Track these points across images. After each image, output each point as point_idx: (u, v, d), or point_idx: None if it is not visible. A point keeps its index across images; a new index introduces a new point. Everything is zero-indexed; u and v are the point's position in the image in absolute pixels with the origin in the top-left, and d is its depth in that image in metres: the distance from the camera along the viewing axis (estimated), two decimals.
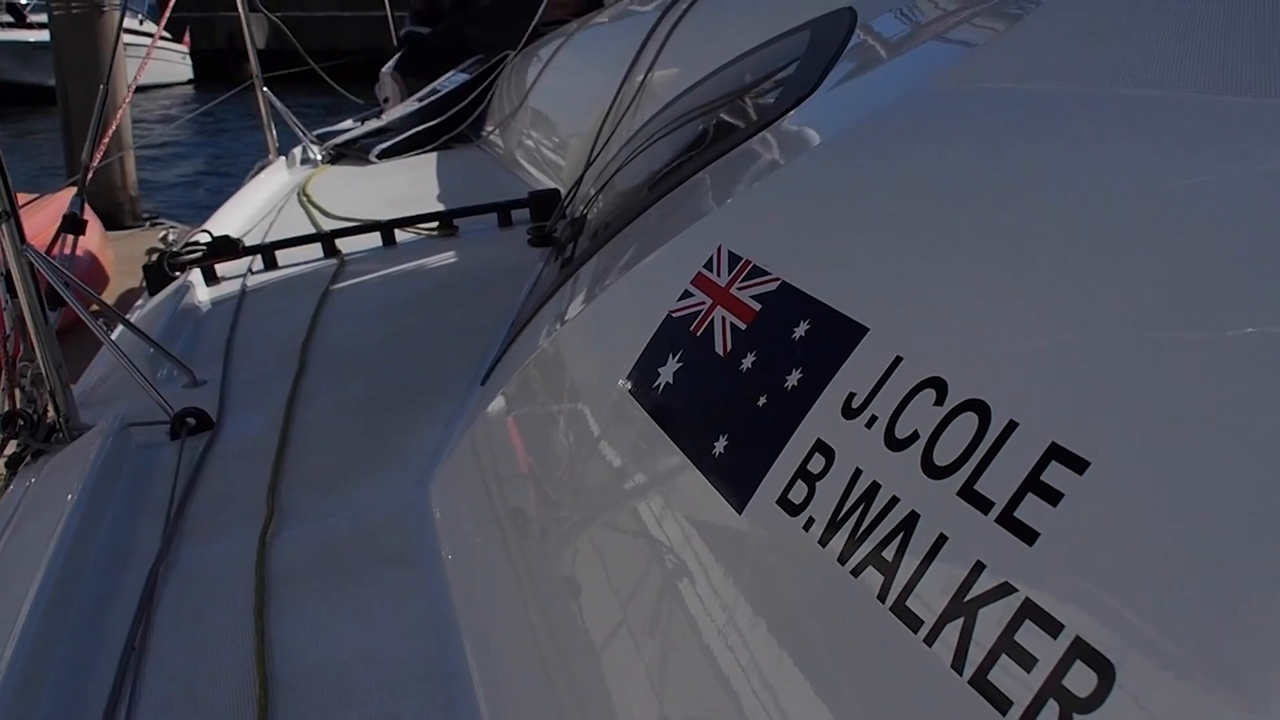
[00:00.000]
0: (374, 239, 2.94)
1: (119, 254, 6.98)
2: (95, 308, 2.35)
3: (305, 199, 3.61)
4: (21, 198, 7.38)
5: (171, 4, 4.84)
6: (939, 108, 0.99)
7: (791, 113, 1.31)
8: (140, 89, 22.87)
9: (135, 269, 7.15)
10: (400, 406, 1.92)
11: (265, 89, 4.64)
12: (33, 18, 21.66)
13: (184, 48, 28.97)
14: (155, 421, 1.95)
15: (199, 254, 2.84)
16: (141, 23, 26.31)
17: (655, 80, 2.63)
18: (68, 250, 2.47)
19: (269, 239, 3.16)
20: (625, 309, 1.22)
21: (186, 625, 1.36)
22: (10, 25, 22.90)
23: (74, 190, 8.06)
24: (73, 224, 2.41)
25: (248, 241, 3.05)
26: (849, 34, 1.54)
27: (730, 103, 1.78)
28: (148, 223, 8.64)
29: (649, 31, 2.72)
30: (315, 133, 4.71)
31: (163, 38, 27.67)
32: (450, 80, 4.57)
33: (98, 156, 2.92)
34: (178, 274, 2.85)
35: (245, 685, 1.22)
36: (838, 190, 1.01)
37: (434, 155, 4.17)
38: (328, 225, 3.24)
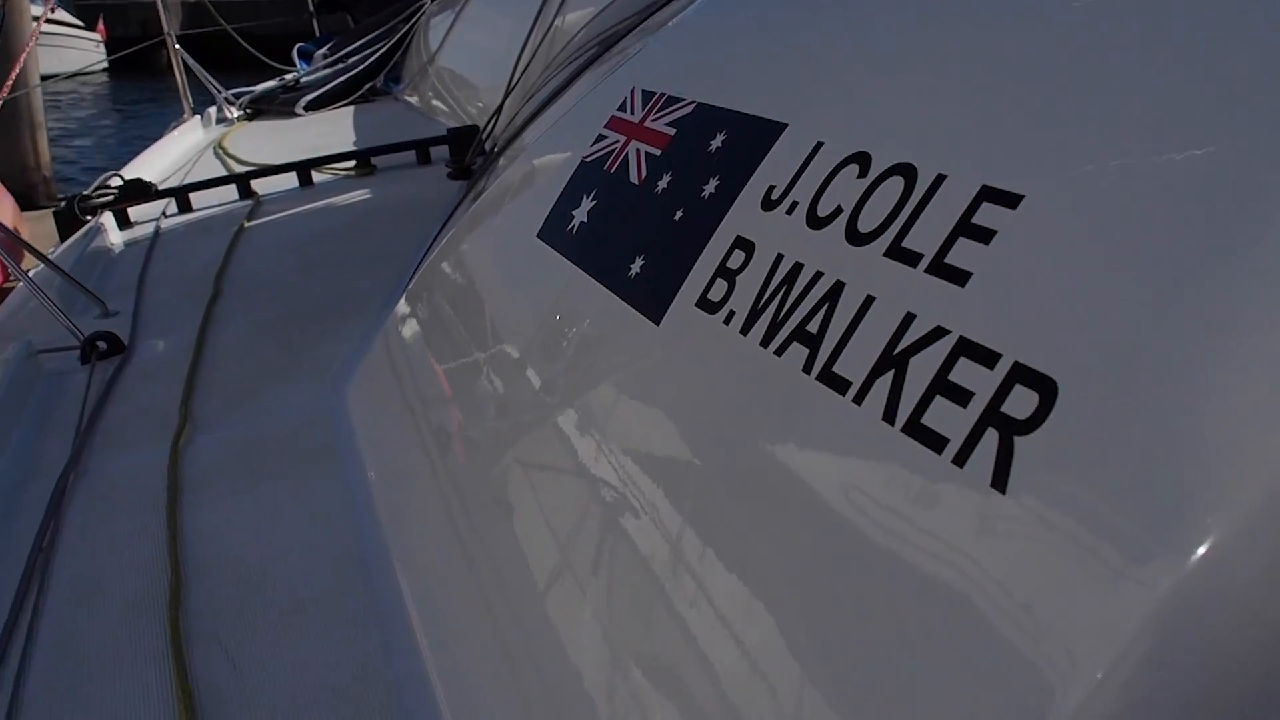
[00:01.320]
0: (291, 180, 2.87)
1: (34, 232, 6.80)
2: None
3: (222, 151, 3.53)
4: None
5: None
6: None
7: None
8: (54, 77, 22.34)
9: (49, 246, 6.97)
10: (314, 326, 1.87)
11: (178, 47, 4.53)
12: None
13: (98, 36, 28.36)
14: (65, 348, 1.88)
15: (111, 197, 2.75)
16: (54, 11, 25.77)
17: (569, 16, 2.60)
18: None
19: (183, 181, 3.08)
20: (538, 171, 1.19)
21: (96, 526, 1.31)
22: None
23: None
24: None
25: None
26: None
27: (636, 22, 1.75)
28: (62, 203, 8.42)
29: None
30: (230, 91, 4.61)
31: (74, 25, 27.07)
32: (365, 40, 4.50)
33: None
34: (89, 218, 2.77)
35: (158, 577, 1.17)
36: (739, 11, 0.99)
37: (352, 109, 4.09)
38: (243, 171, 3.17)
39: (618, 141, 0.96)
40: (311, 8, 6.65)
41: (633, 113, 0.97)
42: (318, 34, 6.61)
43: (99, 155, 14.99)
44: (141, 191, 2.77)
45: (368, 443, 1.34)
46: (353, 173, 2.91)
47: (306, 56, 5.93)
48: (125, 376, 1.77)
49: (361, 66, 4.24)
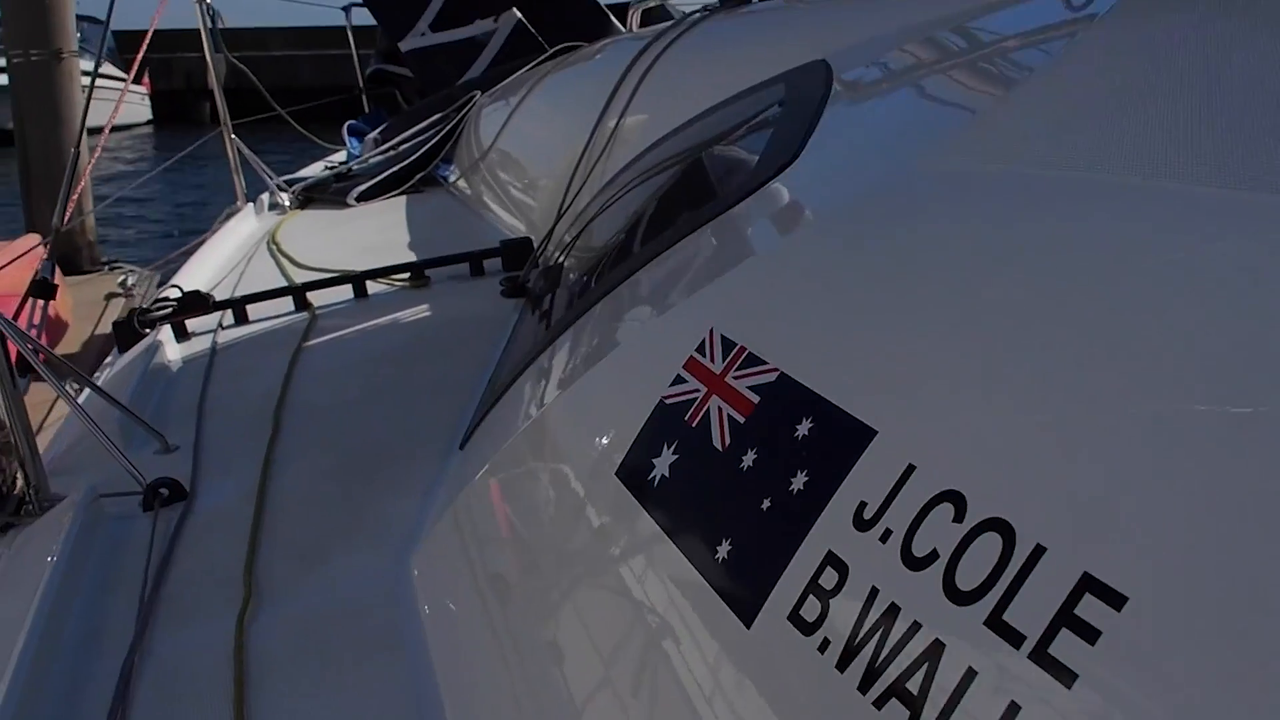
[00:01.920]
0: (345, 291, 2.91)
1: (77, 299, 6.90)
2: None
3: (275, 247, 3.57)
4: None
5: (140, 58, 4.83)
6: (932, 190, 0.98)
7: (774, 182, 1.29)
8: (100, 130, 22.74)
9: (93, 313, 7.07)
10: (375, 473, 1.89)
11: (234, 136, 4.61)
12: None
13: (144, 89, 28.90)
14: (127, 493, 1.90)
15: (169, 310, 2.80)
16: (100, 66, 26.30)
17: (628, 126, 2.63)
18: (37, 317, 2.43)
19: (239, 292, 3.12)
20: (614, 389, 1.20)
21: (164, 716, 1.32)
22: None
23: (34, 238, 7.97)
24: (43, 289, 2.37)
25: (218, 294, 3.01)
26: (826, 92, 1.54)
27: (708, 161, 1.77)
28: (106, 267, 8.53)
29: (621, 76, 2.72)
30: (283, 178, 4.68)
31: (121, 79, 27.58)
32: (418, 129, 4.56)
33: (68, 216, 2.89)
34: (148, 331, 2.81)
35: None
36: (832, 275, 0.99)
37: (403, 200, 4.14)
38: (298, 276, 3.20)
39: (698, 392, 0.97)
40: (361, 83, 6.75)
41: (712, 360, 0.98)
42: (366, 109, 6.70)
43: (142, 206, 15.23)
44: (199, 304, 2.81)
45: (436, 635, 1.35)
46: (407, 284, 2.94)
47: (357, 134, 6.01)
48: (188, 528, 1.79)
49: (413, 157, 4.29)
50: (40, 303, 2.43)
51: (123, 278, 7.69)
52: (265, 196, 4.42)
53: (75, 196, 3.43)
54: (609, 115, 2.71)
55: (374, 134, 5.11)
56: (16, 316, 2.34)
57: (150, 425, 2.17)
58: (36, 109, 8.28)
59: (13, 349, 2.00)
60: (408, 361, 2.44)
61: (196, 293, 2.85)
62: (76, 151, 2.77)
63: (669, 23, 2.93)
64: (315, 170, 5.38)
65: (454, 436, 1.94)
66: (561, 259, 2.32)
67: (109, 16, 3.18)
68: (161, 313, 2.80)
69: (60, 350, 5.99)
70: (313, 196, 4.38)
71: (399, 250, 3.38)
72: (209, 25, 4.92)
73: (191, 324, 2.86)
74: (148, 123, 29.15)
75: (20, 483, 1.97)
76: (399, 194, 4.25)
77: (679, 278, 1.30)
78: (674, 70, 2.61)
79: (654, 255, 1.41)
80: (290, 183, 4.56)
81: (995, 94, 1.25)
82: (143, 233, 12.16)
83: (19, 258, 6.37)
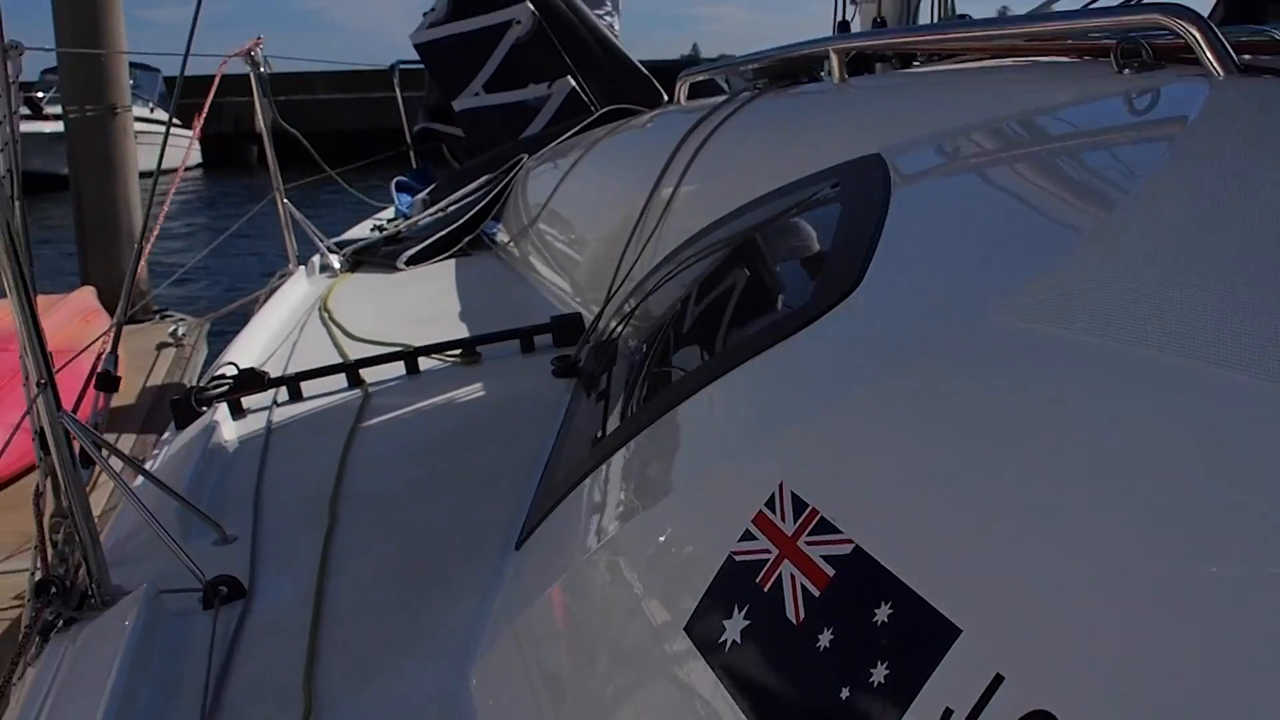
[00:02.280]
0: (397, 366, 2.93)
1: (129, 349, 6.99)
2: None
3: (326, 315, 3.61)
4: (40, 301, 7.32)
5: (203, 117, 4.93)
6: (1008, 348, 0.97)
7: (836, 312, 1.28)
8: (152, 174, 23.17)
9: (145, 364, 7.15)
10: (432, 573, 1.89)
11: (286, 201, 4.68)
12: (49, 109, 21.97)
13: (193, 134, 29.37)
14: (187, 589, 1.92)
15: (225, 388, 2.83)
16: (152, 110, 26.76)
17: (679, 204, 2.63)
18: (101, 403, 2.47)
19: (293, 363, 3.16)
20: (682, 532, 1.19)
21: None
22: (28, 117, 23.26)
23: (88, 292, 8.07)
24: (106, 382, 2.41)
25: (272, 365, 3.05)
26: (884, 195, 1.53)
27: (763, 268, 1.77)
28: (158, 315, 8.65)
29: (673, 151, 2.73)
30: (333, 240, 4.74)
31: (176, 126, 28.07)
32: (466, 191, 4.60)
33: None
34: (204, 409, 2.84)
35: None
36: (904, 433, 0.98)
37: (453, 264, 4.17)
38: (350, 346, 3.24)
39: (769, 553, 0.96)
40: (409, 140, 6.83)
41: (783, 519, 0.97)
42: (414, 164, 6.77)
43: (191, 252, 15.46)
44: (254, 382, 2.84)
45: None
46: (458, 359, 2.96)
47: (405, 190, 6.07)
48: (247, 628, 1.80)
49: (461, 220, 4.33)
50: (103, 395, 2.46)
51: (174, 328, 7.79)
52: (316, 259, 4.47)
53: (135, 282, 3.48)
54: (660, 191, 2.72)
55: (423, 194, 5.15)
56: (78, 406, 2.37)
57: (208, 516, 2.19)
58: (91, 162, 8.46)
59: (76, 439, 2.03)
60: (460, 446, 2.45)
61: (252, 371, 2.89)
62: (139, 249, 2.80)
63: (720, 98, 2.94)
64: (364, 230, 5.44)
65: (509, 532, 1.94)
66: (612, 344, 2.32)
67: (182, 73, 3.23)
68: (218, 391, 2.83)
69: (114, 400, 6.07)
70: (363, 260, 4.43)
71: (449, 320, 3.40)
72: (260, 73, 4.98)
73: (246, 401, 2.89)
74: (197, 166, 29.64)
75: (83, 575, 2.00)
76: (448, 257, 4.28)
77: (742, 411, 1.29)
78: (726, 148, 2.62)
79: (711, 377, 1.40)
80: (340, 245, 4.61)
81: (1067, 219, 1.24)
82: (191, 270, 12.30)
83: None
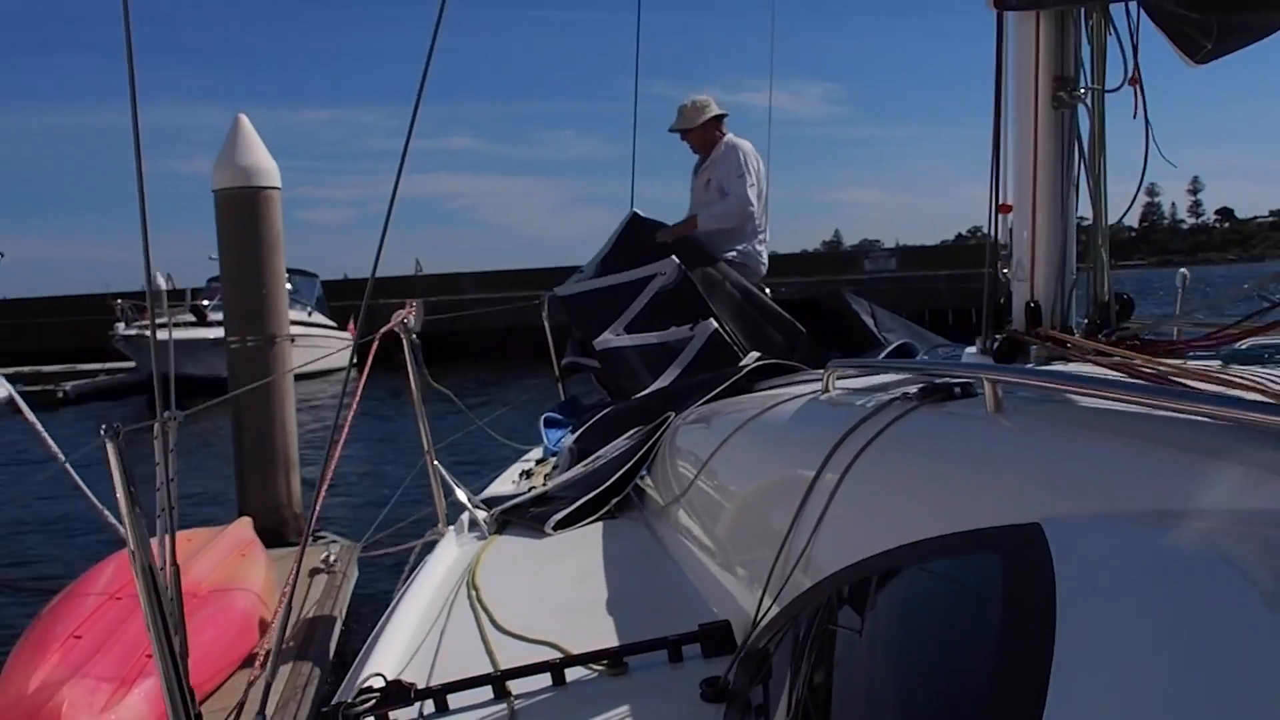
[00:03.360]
0: (544, 676, 2.83)
1: (282, 574, 7.08)
2: None
3: (474, 595, 3.55)
4: (194, 535, 7.51)
5: (376, 349, 5.06)
6: None
7: None
8: (309, 375, 24.25)
9: (300, 591, 7.17)
10: None
11: (436, 462, 4.70)
12: (212, 316, 23.28)
13: (349, 335, 30.71)
14: None
15: (372, 702, 2.76)
16: (310, 314, 28.17)
17: (826, 527, 2.53)
18: None
19: (440, 660, 3.09)
20: None
21: None
22: (193, 324, 24.68)
23: (245, 524, 8.21)
24: None
25: (419, 661, 2.99)
26: (1049, 588, 1.36)
27: (920, 655, 1.63)
28: (311, 538, 8.78)
29: (823, 461, 2.62)
30: (481, 496, 4.73)
31: (329, 326, 29.44)
32: (613, 447, 4.57)
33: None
34: None
35: None
36: None
37: (600, 531, 4.11)
38: (497, 640, 3.16)
39: None
40: (557, 373, 6.91)
41: None
42: (562, 397, 6.82)
43: (342, 466, 15.84)
44: (401, 696, 2.77)
45: None
46: (605, 668, 2.85)
47: (553, 425, 6.10)
48: None
49: (608, 483, 4.28)
50: None
51: (326, 553, 7.89)
52: (465, 517, 4.46)
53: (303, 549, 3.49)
54: (809, 505, 2.62)
55: (571, 440, 5.15)
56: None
57: None
58: (251, 394, 8.74)
59: None
60: None
61: (398, 684, 2.82)
62: (308, 540, 2.79)
63: (868, 405, 2.82)
64: (514, 473, 5.45)
65: None
66: (765, 679, 2.21)
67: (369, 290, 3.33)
68: (364, 706, 2.76)
69: (267, 638, 6.11)
70: (510, 519, 4.39)
71: (596, 610, 3.31)
72: (412, 340, 5.09)
73: (394, 713, 2.82)
74: (352, 367, 30.81)
75: None
76: (595, 520, 4.22)
77: None
78: (877, 472, 2.51)
79: None
80: (489, 501, 4.59)
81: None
82: (338, 482, 12.57)
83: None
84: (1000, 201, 3.05)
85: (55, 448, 8.48)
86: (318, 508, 4.55)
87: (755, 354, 5.01)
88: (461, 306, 31.22)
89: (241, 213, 8.69)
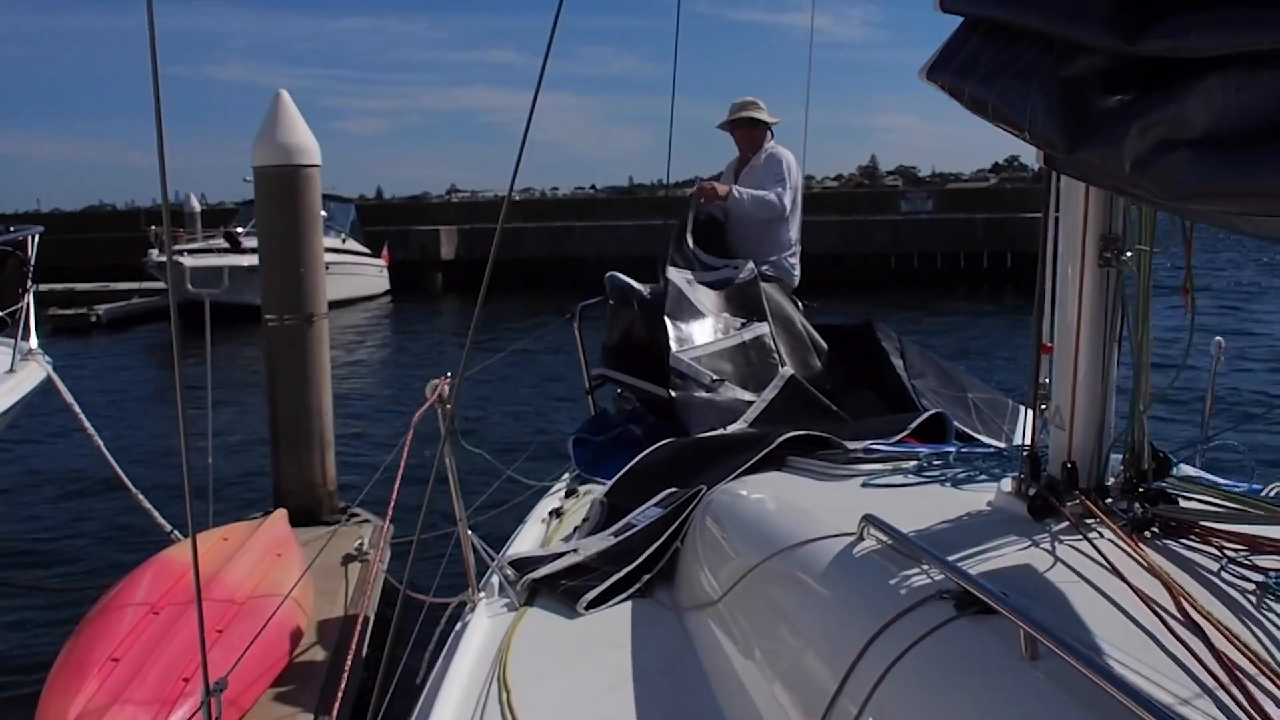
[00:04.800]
0: None
1: (317, 568, 7.10)
2: None
3: (505, 699, 3.60)
4: (231, 532, 7.59)
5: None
6: None
7: None
8: (342, 303, 24.29)
9: (334, 586, 7.27)
10: None
11: (470, 532, 4.71)
12: (246, 242, 23.27)
13: (383, 262, 30.77)
14: None
15: None
16: (344, 241, 28.15)
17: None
18: None
19: None
20: None
21: None
22: (226, 250, 24.70)
23: (281, 516, 8.26)
24: None
25: None
26: None
27: None
28: (345, 514, 8.89)
29: (855, 659, 2.62)
30: (510, 559, 4.72)
31: (362, 253, 29.46)
32: (645, 515, 4.56)
33: None
34: None
35: None
36: None
37: (630, 619, 4.11)
38: None
39: None
40: (587, 386, 6.87)
41: None
42: (592, 410, 6.79)
43: (375, 380, 15.87)
44: None
45: None
46: None
47: (582, 445, 6.13)
48: None
49: (640, 560, 4.30)
50: None
51: (359, 541, 7.98)
52: (496, 580, 4.48)
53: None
54: (839, 708, 2.62)
55: (601, 494, 5.17)
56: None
57: None
58: (287, 370, 8.81)
59: None
60: None
61: None
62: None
63: (903, 592, 2.80)
64: (541, 514, 5.44)
65: None
66: None
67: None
68: None
69: (302, 645, 6.21)
70: (540, 588, 4.42)
71: (625, 714, 3.35)
72: (447, 409, 4.78)
73: None
74: (385, 293, 30.90)
75: None
76: (626, 598, 4.24)
77: None
78: (908, 695, 2.51)
79: None
80: (518, 565, 4.60)
81: None
82: (373, 454, 12.57)
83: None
84: (1043, 341, 3.07)
85: (91, 429, 8.57)
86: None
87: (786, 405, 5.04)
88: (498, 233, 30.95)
89: (281, 190, 8.70)
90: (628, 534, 4.57)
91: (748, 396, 5.66)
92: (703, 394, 5.73)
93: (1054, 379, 3.04)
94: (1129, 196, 2.51)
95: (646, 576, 4.31)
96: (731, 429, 5.45)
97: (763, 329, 5.85)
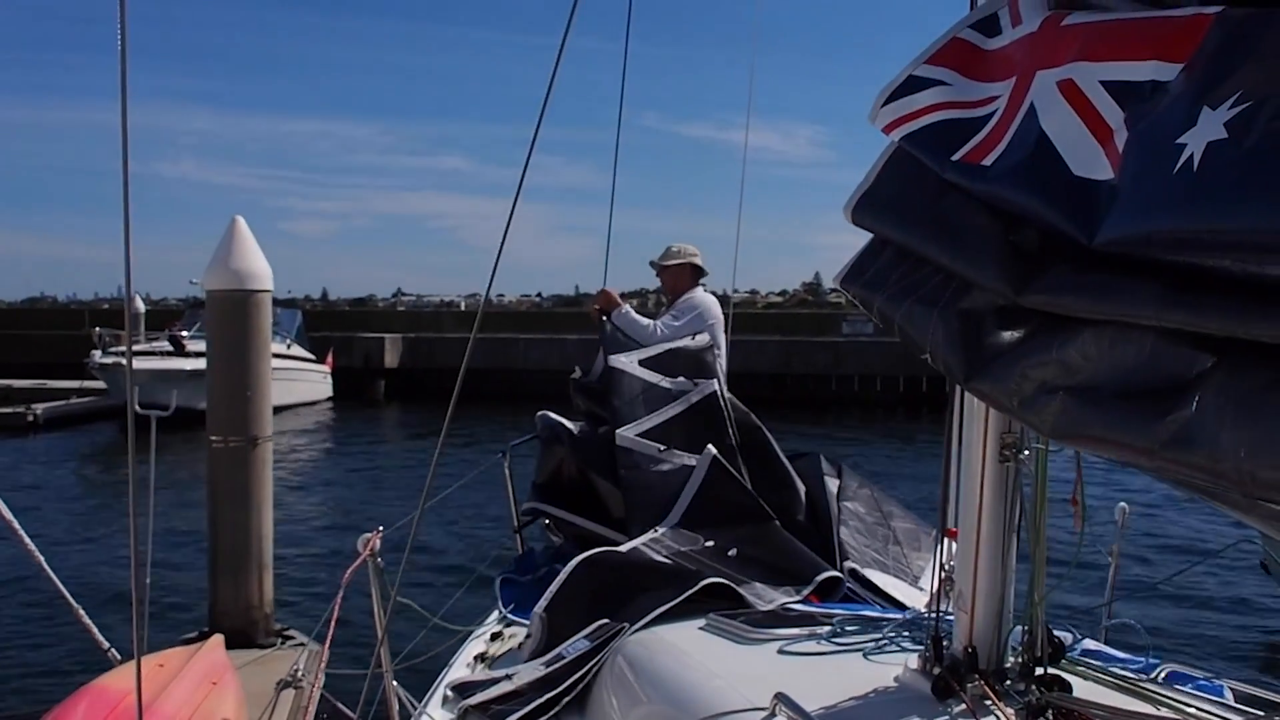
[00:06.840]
0: None
1: (249, 688, 7.05)
2: None
3: None
4: (166, 659, 7.51)
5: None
6: None
7: None
8: (285, 408, 24.12)
9: (268, 714, 7.18)
10: None
11: (394, 682, 4.77)
12: (190, 346, 23.10)
13: (326, 368, 30.71)
14: None
15: None
16: (289, 347, 28.12)
17: None
18: None
19: None
20: None
21: None
22: (170, 354, 24.46)
23: (217, 642, 8.19)
24: None
25: None
26: None
27: None
28: (280, 639, 8.81)
29: None
30: (448, 683, 4.79)
31: (307, 359, 29.42)
32: (573, 647, 4.66)
33: None
34: None
35: None
36: None
37: None
38: None
39: None
40: (515, 524, 6.85)
41: None
42: (520, 549, 6.78)
43: (321, 491, 15.68)
44: None
45: None
46: None
47: (509, 585, 6.13)
48: None
49: (559, 688, 4.38)
50: None
51: (295, 667, 7.91)
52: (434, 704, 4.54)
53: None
54: None
55: (541, 607, 5.26)
56: None
57: None
58: (230, 491, 8.83)
59: None
60: None
61: None
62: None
63: None
64: (466, 660, 5.46)
65: None
66: None
67: None
68: None
69: None
70: (471, 714, 4.49)
71: None
72: (377, 563, 4.94)
73: None
74: (328, 399, 30.71)
75: None
76: None
77: None
78: None
79: None
80: (459, 690, 4.65)
81: None
82: (311, 567, 12.48)
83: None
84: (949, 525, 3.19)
85: (28, 540, 8.48)
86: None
87: (709, 543, 5.17)
88: (442, 343, 31.23)
89: (233, 314, 8.83)
90: (557, 665, 4.68)
91: (692, 461, 5.70)
92: (653, 468, 5.80)
93: (958, 562, 3.18)
94: (1019, 422, 2.69)
95: (567, 700, 4.38)
96: (661, 531, 5.50)
97: (712, 386, 5.88)
